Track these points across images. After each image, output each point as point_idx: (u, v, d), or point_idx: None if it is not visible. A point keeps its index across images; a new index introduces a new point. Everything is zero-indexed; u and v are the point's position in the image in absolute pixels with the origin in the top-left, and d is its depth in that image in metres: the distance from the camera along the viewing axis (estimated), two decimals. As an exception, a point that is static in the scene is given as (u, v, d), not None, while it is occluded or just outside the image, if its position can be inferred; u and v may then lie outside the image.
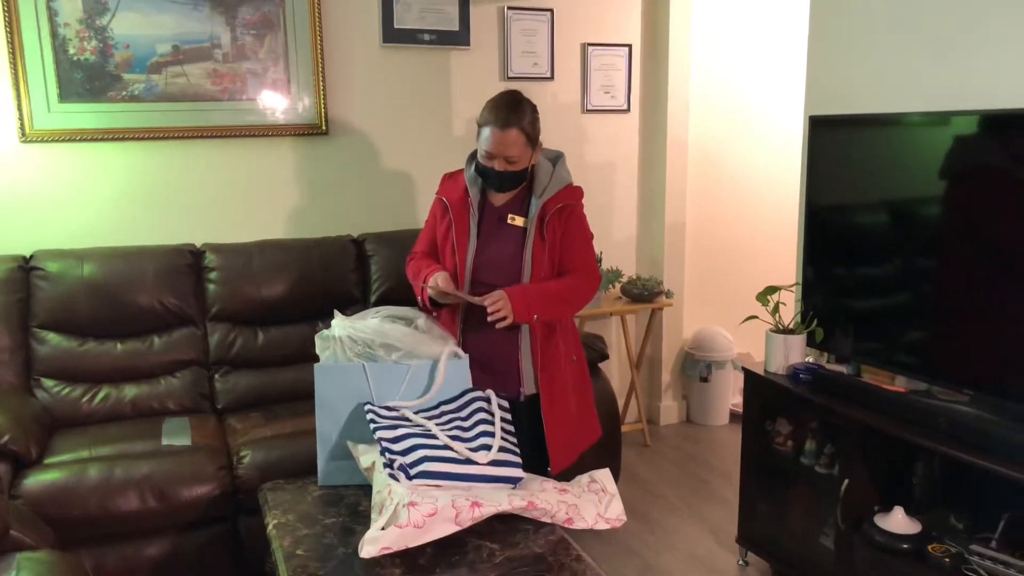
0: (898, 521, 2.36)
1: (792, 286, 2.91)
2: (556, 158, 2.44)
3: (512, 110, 2.25)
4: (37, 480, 2.43)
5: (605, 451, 3.14)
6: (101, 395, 2.92)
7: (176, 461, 2.58)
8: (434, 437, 1.99)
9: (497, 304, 2.20)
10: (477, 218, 2.38)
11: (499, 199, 2.40)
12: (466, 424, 2.08)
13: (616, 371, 4.28)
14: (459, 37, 3.66)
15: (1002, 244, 2.23)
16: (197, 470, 2.58)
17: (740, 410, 3.15)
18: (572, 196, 2.39)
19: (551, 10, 3.84)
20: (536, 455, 2.36)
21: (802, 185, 2.97)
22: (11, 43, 2.95)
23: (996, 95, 2.39)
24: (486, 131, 2.26)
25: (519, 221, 2.36)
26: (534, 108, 2.32)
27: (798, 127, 3.67)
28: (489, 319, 2.21)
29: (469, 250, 2.37)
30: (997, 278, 2.24)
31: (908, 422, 2.34)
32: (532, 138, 2.29)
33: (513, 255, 2.35)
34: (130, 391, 2.96)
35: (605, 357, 3.42)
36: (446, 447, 1.97)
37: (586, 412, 2.53)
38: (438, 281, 2.29)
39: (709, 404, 4.40)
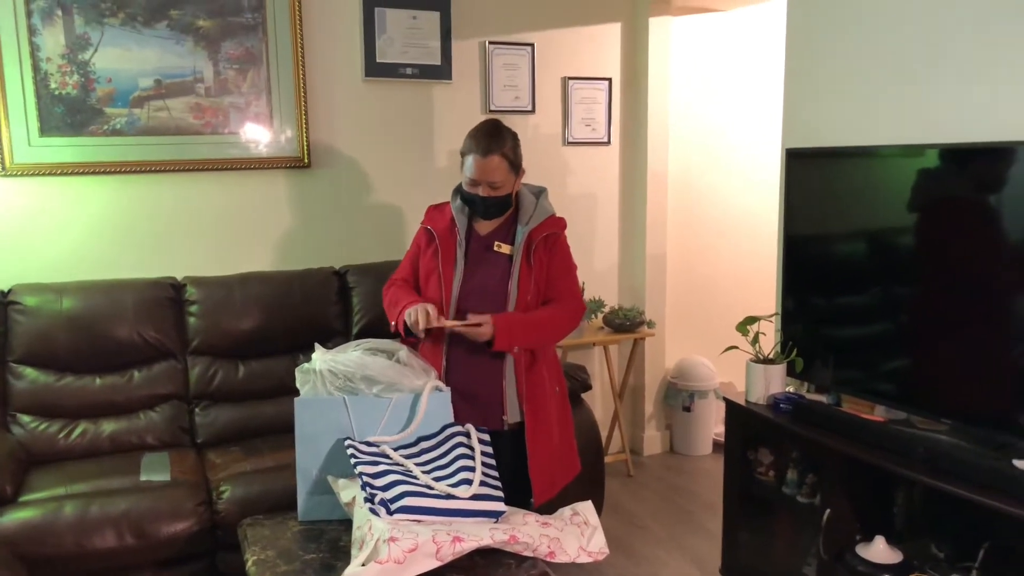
0: (880, 551, 2.36)
1: (771, 316, 2.93)
2: (539, 192, 2.50)
3: (493, 137, 2.32)
4: (12, 518, 2.39)
5: (588, 482, 3.13)
6: (79, 430, 2.89)
7: (154, 497, 2.55)
8: (415, 477, 1.98)
9: (480, 330, 2.26)
10: (464, 247, 2.41)
11: (485, 228, 2.44)
12: (445, 461, 2.08)
13: (599, 401, 4.28)
14: (441, 71, 3.70)
15: (975, 273, 2.26)
16: (176, 506, 2.55)
17: (723, 439, 3.16)
18: (557, 226, 2.45)
19: (532, 44, 3.90)
20: (518, 485, 2.36)
21: (780, 216, 3.01)
22: (-8, 78, 2.95)
23: (966, 128, 2.44)
24: (469, 159, 2.33)
25: (506, 249, 2.40)
26: (514, 136, 2.38)
27: (776, 159, 3.72)
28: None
29: (456, 278, 2.39)
30: (972, 307, 2.28)
31: (888, 451, 2.35)
32: (514, 164, 2.35)
33: (499, 282, 2.38)
34: (108, 426, 2.93)
35: (588, 387, 3.42)
36: (427, 485, 1.96)
37: (567, 445, 2.54)
38: (428, 311, 2.28)
39: (692, 434, 4.41)
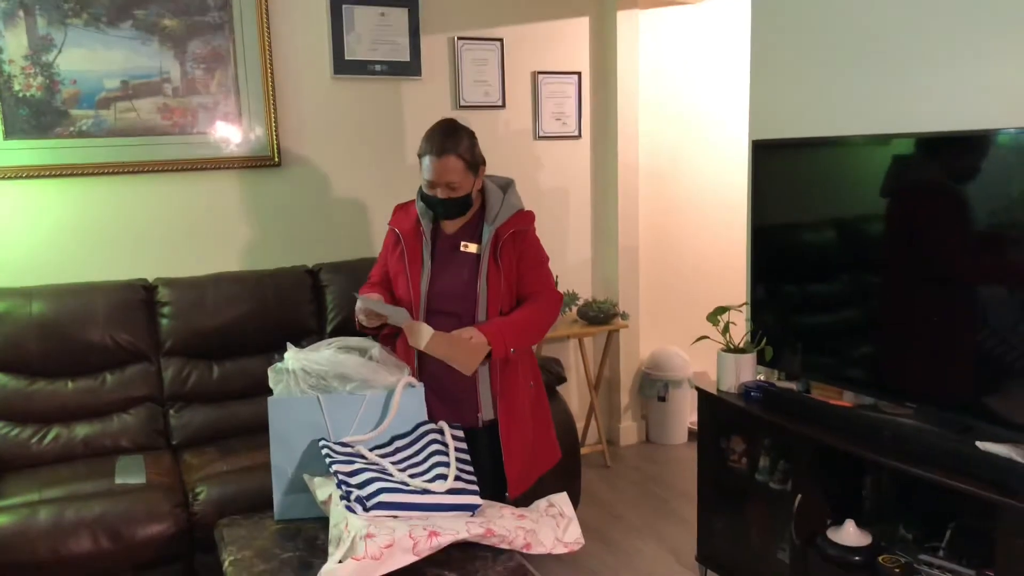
0: (849, 534, 2.41)
1: (741, 306, 2.97)
2: (506, 185, 2.48)
3: (448, 137, 2.29)
4: (-15, 525, 2.38)
5: (565, 474, 3.15)
6: (52, 435, 2.87)
7: (130, 500, 2.54)
8: (391, 474, 2.00)
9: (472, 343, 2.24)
10: (431, 247, 2.41)
11: (451, 227, 2.43)
12: (419, 459, 2.09)
13: (575, 394, 4.31)
14: (410, 67, 3.70)
15: (940, 261, 2.31)
16: (152, 508, 2.54)
17: (697, 429, 3.19)
18: (523, 221, 2.43)
19: (501, 40, 3.90)
20: (498, 480, 2.38)
21: (749, 207, 3.05)
22: (-46, 81, 2.92)
23: (930, 116, 2.49)
24: (425, 160, 2.31)
25: (472, 248, 2.38)
26: (471, 134, 2.35)
27: (745, 150, 3.77)
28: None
29: (423, 279, 2.38)
30: (936, 294, 2.33)
31: (855, 436, 2.40)
32: (471, 163, 2.32)
33: (468, 282, 2.37)
34: (82, 430, 2.91)
35: (563, 380, 3.45)
36: (403, 481, 1.98)
37: (544, 436, 2.55)
38: (367, 308, 2.31)
39: (667, 423, 4.45)
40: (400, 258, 2.42)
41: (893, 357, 2.47)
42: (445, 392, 2.37)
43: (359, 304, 2.32)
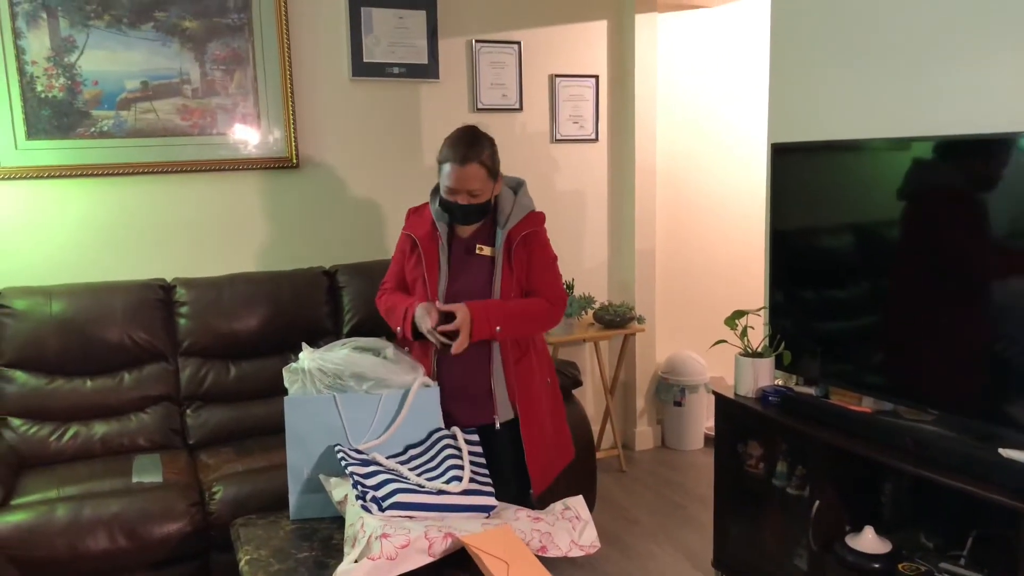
0: (868, 541, 2.39)
1: (760, 310, 2.95)
2: (517, 186, 2.48)
3: (470, 145, 2.29)
4: (3, 522, 2.39)
5: (580, 477, 3.15)
6: (70, 433, 2.88)
7: (146, 499, 2.55)
8: (406, 477, 2.00)
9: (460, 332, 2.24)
10: (447, 251, 2.41)
11: (466, 231, 2.44)
12: (434, 464, 2.09)
13: (591, 397, 4.29)
14: (428, 70, 3.70)
15: (962, 266, 2.28)
16: (168, 507, 2.55)
17: (714, 434, 3.18)
18: (534, 223, 2.43)
19: (518, 43, 3.90)
20: (519, 478, 2.38)
21: (767, 211, 3.03)
22: (-22, 81, 2.94)
23: (952, 120, 2.46)
24: (447, 167, 2.30)
25: (487, 251, 2.39)
26: (492, 142, 2.36)
27: (764, 153, 3.75)
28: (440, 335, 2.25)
29: (440, 283, 2.39)
30: (957, 299, 2.30)
31: (875, 442, 2.37)
32: (492, 171, 2.34)
33: (484, 285, 2.38)
34: (99, 428, 2.92)
35: (579, 384, 3.44)
36: (418, 483, 1.98)
37: (560, 433, 2.56)
38: (426, 313, 2.30)
39: (684, 428, 4.43)
40: (417, 263, 2.43)
41: (913, 363, 2.44)
42: (461, 392, 2.37)
43: (420, 312, 2.31)
